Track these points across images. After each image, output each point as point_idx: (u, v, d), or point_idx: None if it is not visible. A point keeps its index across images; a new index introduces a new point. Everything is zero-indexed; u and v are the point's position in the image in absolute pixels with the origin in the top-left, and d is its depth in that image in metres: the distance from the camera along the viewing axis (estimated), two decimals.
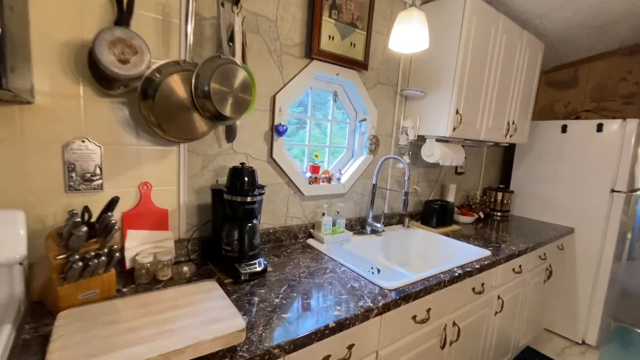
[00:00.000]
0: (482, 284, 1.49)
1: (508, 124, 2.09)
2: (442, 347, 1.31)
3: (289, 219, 1.50)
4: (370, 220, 1.72)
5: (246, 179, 1.10)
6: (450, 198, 2.20)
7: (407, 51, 1.39)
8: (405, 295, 1.06)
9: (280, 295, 0.99)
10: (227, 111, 0.99)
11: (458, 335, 1.38)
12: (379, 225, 1.68)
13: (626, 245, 2.33)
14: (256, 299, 0.96)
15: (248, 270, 1.06)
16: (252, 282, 1.06)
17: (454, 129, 1.69)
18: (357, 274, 1.19)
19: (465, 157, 2.39)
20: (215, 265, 1.14)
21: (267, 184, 1.40)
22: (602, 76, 2.63)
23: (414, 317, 1.15)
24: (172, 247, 1.12)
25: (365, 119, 1.70)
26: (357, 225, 1.77)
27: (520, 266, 1.77)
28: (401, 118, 1.87)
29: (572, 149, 2.31)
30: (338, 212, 1.58)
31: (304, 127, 1.58)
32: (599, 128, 2.18)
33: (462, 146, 2.05)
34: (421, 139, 1.91)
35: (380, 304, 0.98)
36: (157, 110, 0.93)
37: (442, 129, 1.71)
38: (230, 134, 1.22)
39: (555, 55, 2.62)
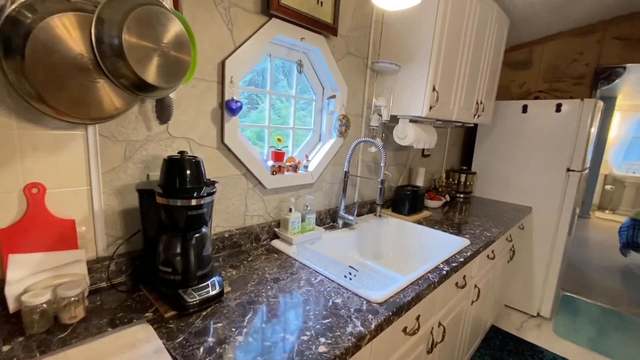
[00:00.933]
0: (464, 277, 1.39)
1: (477, 103, 2.00)
2: (429, 352, 1.19)
3: (248, 218, 1.23)
4: (342, 212, 1.52)
5: (188, 173, 0.80)
6: (419, 182, 2.09)
7: (395, 7, 1.14)
8: (398, 308, 0.88)
9: (245, 329, 0.74)
10: (152, 77, 0.68)
11: (443, 336, 1.26)
12: (352, 217, 1.49)
13: (575, 220, 2.46)
14: (211, 339, 0.70)
15: (198, 298, 0.79)
16: (205, 312, 0.79)
17: (431, 107, 1.53)
18: (338, 284, 0.98)
19: None
20: (152, 291, 0.85)
21: (219, 177, 1.11)
22: (554, 57, 2.67)
23: (404, 330, 0.99)
24: (84, 274, 0.80)
25: (334, 96, 1.45)
26: (328, 219, 1.56)
27: (493, 251, 1.72)
28: (373, 96, 1.66)
29: (532, 129, 2.32)
30: (307, 206, 1.35)
31: (255, 107, 1.28)
32: (558, 108, 2.20)
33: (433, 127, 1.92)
34: (393, 120, 1.73)
35: (373, 326, 0.79)
36: (31, 73, 0.58)
37: (417, 108, 1.53)
38: (163, 112, 0.89)
39: (514, 34, 2.60)
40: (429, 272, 1.11)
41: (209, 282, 0.84)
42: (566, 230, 2.24)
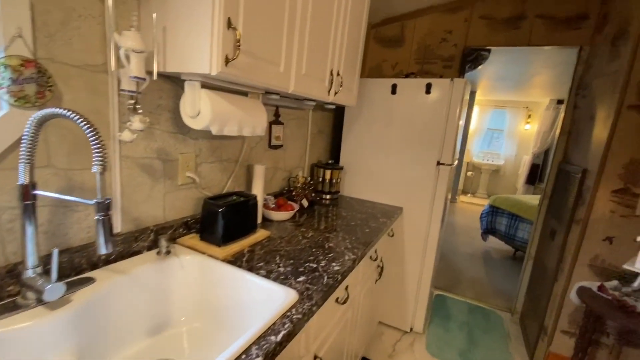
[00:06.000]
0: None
1: (332, 73, 1.43)
2: None
3: None
4: (30, 272, 0.71)
5: None
6: (257, 187, 1.43)
7: None
8: None
9: None
10: None
11: None
12: (46, 284, 0.69)
13: (446, 214, 2.21)
14: None
15: None
16: None
17: (227, 61, 0.83)
18: None
19: (279, 123, 1.65)
20: None
21: None
22: (425, 35, 2.37)
23: None
24: None
25: None
26: (10, 287, 0.73)
27: (346, 288, 1.18)
28: (114, 29, 0.86)
29: (402, 114, 1.92)
30: None
31: None
32: (428, 89, 1.83)
33: (266, 104, 1.26)
34: (177, 81, 1.00)
35: None
36: None
37: (202, 60, 0.82)
38: None
39: (385, 2, 2.17)
40: None
41: None
42: (438, 229, 1.93)
